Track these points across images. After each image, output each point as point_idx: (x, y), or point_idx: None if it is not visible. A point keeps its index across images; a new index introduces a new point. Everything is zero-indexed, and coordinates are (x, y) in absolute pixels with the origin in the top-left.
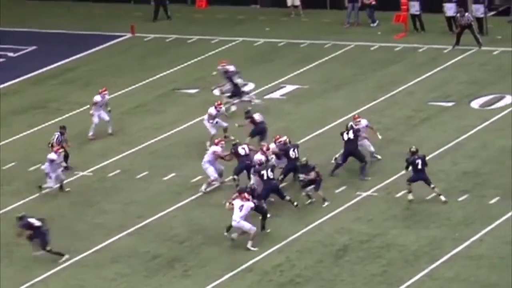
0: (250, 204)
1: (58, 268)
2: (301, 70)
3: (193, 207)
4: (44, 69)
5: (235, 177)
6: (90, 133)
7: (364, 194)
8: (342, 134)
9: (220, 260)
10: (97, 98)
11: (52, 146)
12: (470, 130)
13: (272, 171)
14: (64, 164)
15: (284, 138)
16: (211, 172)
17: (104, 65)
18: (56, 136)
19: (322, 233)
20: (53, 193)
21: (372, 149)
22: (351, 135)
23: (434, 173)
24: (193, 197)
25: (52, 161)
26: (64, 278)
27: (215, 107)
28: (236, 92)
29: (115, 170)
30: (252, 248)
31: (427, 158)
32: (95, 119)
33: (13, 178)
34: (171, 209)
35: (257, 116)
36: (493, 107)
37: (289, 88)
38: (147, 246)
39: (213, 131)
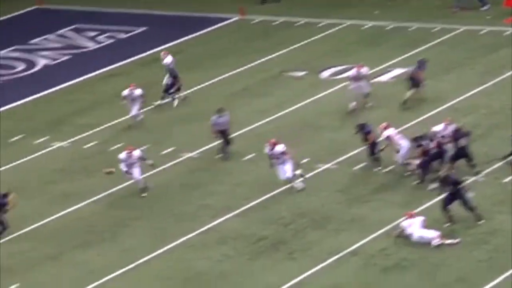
0: (420, 219)
1: (164, 249)
2: (409, 53)
3: (299, 190)
4: (153, 50)
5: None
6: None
7: (471, 179)
8: None
9: (324, 244)
10: (125, 92)
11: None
12: None
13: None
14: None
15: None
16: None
17: (212, 47)
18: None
19: (429, 218)
20: (159, 173)
21: None
22: None
23: None
24: (298, 180)
25: (121, 160)
26: (170, 259)
27: (357, 69)
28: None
29: None
30: (452, 241)
31: None
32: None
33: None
34: (277, 191)
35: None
36: None
37: (397, 71)
38: (253, 228)
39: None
